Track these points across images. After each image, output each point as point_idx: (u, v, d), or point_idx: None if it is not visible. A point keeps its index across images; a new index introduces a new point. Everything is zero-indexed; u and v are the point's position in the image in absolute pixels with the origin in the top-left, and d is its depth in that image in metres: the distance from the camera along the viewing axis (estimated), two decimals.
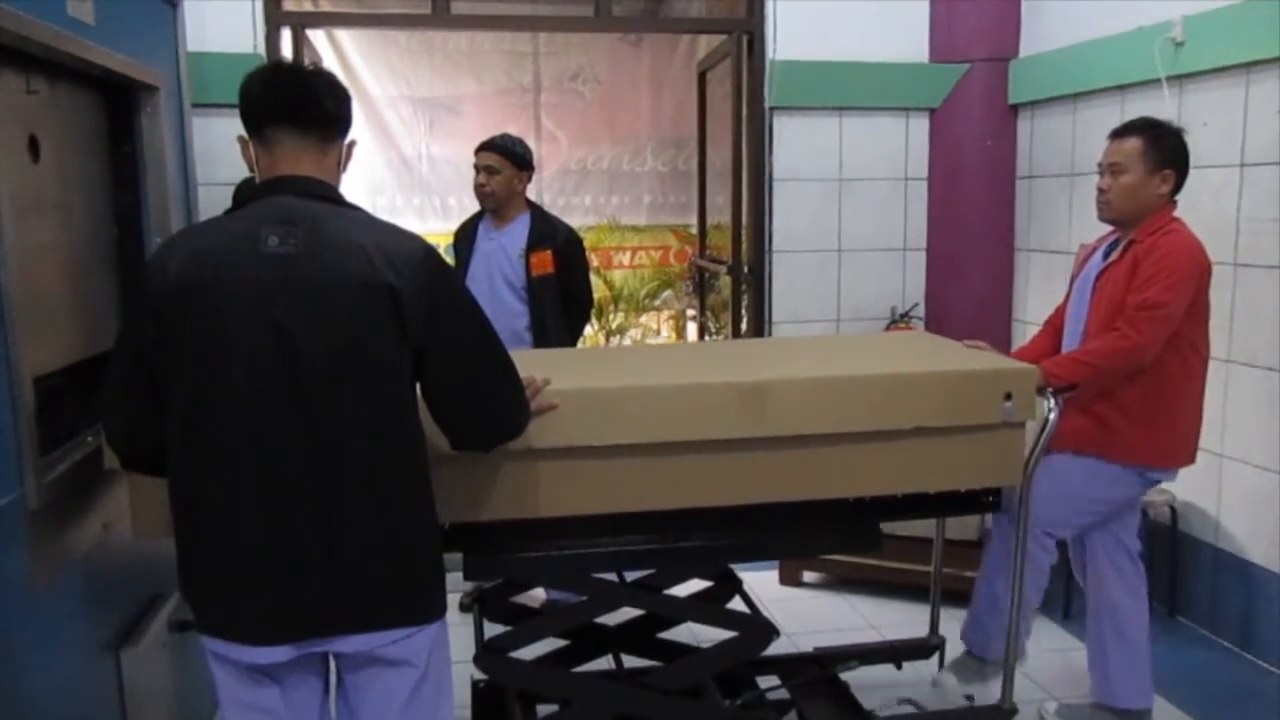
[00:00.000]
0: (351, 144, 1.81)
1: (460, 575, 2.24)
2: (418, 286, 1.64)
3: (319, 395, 1.60)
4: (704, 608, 2.74)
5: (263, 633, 1.66)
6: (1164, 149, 2.68)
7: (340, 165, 1.78)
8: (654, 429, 2.14)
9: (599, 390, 2.15)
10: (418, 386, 1.73)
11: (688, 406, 2.16)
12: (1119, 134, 2.74)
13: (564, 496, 2.16)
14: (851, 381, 2.25)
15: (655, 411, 2.15)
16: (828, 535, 2.49)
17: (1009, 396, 2.28)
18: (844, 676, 2.90)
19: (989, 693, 2.84)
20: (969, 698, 2.92)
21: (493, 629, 2.59)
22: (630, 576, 2.74)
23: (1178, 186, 2.71)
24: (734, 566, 2.78)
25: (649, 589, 2.73)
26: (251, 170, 1.81)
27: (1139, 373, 2.64)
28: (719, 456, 2.20)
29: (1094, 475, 2.74)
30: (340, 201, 1.73)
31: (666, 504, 2.22)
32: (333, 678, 1.84)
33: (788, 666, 2.98)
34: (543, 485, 2.13)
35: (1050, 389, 2.52)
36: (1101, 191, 2.74)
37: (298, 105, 1.71)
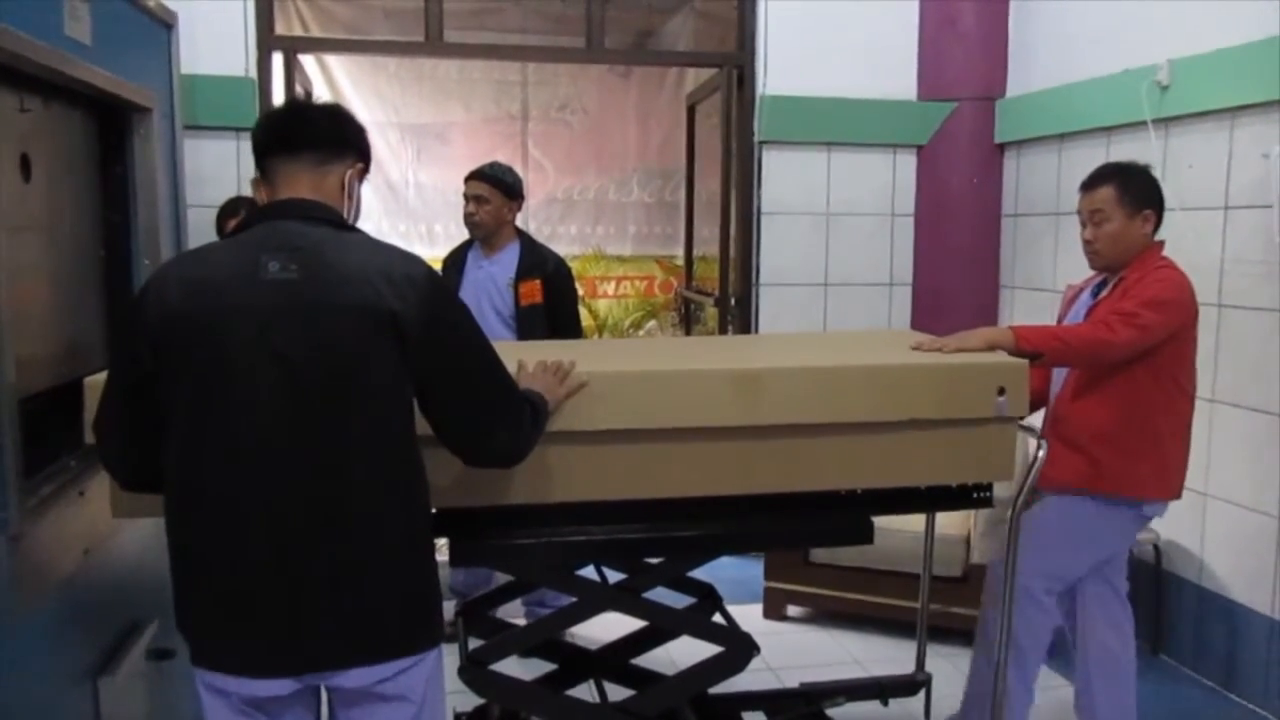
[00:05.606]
0: (359, 171, 1.79)
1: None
2: (419, 310, 1.63)
3: (320, 423, 1.59)
4: (684, 616, 2.67)
5: (265, 666, 1.63)
6: (1137, 190, 2.69)
7: (344, 189, 1.76)
8: (646, 415, 2.11)
9: (591, 375, 2.11)
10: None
11: (681, 393, 2.13)
12: (1089, 185, 2.74)
13: (553, 483, 2.12)
14: (846, 371, 2.24)
15: (647, 397, 2.11)
16: (818, 527, 2.45)
17: (1002, 391, 2.28)
18: (830, 712, 2.87)
19: None
20: None
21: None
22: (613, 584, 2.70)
23: (1159, 223, 2.73)
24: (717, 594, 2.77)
25: (632, 592, 2.70)
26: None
27: (1103, 370, 2.63)
28: (711, 445, 2.16)
29: (1084, 513, 2.72)
30: (341, 224, 1.72)
31: (657, 492, 2.18)
32: (324, 711, 1.80)
33: (773, 702, 2.94)
34: (532, 471, 2.08)
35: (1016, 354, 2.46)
36: (1088, 242, 2.73)
37: (289, 129, 1.74)
